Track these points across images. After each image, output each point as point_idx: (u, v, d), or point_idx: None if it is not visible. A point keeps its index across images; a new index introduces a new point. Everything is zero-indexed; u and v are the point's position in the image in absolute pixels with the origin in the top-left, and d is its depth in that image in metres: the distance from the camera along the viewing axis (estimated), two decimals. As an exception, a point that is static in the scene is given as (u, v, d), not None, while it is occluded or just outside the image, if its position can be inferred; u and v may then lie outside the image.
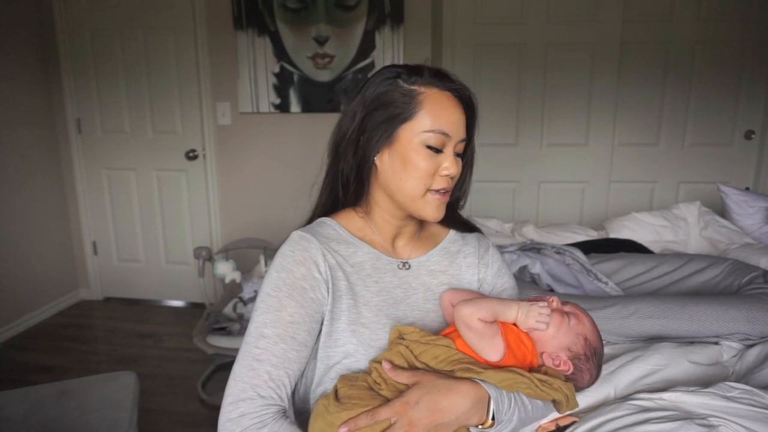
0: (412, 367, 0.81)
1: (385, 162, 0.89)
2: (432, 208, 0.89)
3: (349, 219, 0.96)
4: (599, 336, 0.90)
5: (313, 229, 0.93)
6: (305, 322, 0.85)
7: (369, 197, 0.94)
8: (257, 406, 0.79)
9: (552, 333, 0.85)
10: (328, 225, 0.95)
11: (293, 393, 0.92)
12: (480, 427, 0.78)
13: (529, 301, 0.87)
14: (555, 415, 1.09)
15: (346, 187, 0.93)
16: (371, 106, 0.88)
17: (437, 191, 0.88)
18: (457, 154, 0.90)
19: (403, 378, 0.78)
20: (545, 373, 0.83)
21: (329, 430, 0.76)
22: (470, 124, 0.92)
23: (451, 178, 0.89)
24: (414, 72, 0.88)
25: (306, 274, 0.86)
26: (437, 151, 0.86)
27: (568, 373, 0.86)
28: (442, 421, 0.75)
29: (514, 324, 0.85)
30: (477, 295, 0.93)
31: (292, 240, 0.90)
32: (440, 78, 0.88)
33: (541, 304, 0.84)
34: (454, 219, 1.02)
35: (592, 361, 0.87)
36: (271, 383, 0.81)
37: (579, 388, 0.90)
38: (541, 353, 0.86)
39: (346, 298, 0.87)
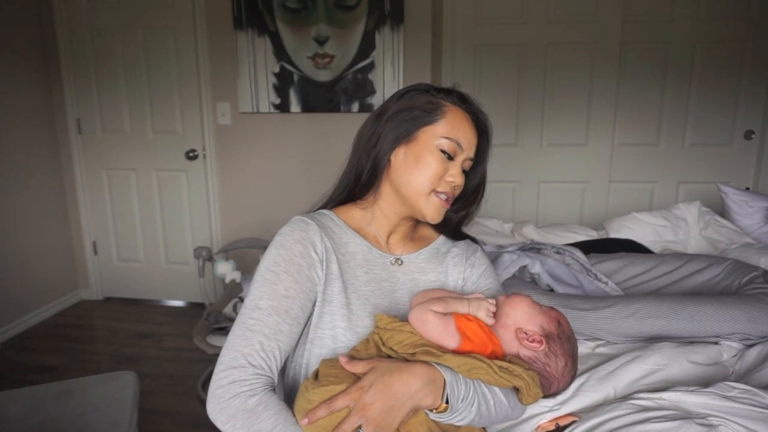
0: (379, 354, 0.84)
1: (399, 158, 0.95)
2: (433, 209, 0.95)
3: (349, 213, 1.02)
4: (572, 331, 0.92)
5: (312, 216, 0.99)
6: (299, 297, 0.89)
7: (377, 190, 0.99)
8: (248, 374, 0.83)
9: (525, 311, 0.88)
10: (326, 215, 1.00)
11: (283, 377, 0.96)
12: (434, 411, 0.79)
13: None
14: (552, 414, 1.10)
15: (359, 177, 0.99)
16: (399, 107, 0.96)
17: (440, 194, 0.94)
18: (463, 171, 0.97)
19: (359, 368, 0.80)
20: (509, 362, 0.83)
21: (306, 406, 0.79)
22: (480, 149, 1.00)
23: (454, 187, 0.96)
24: (443, 90, 0.98)
25: (303, 253, 0.91)
26: (449, 158, 0.93)
27: (541, 349, 0.86)
28: (394, 402, 0.76)
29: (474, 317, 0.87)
30: (446, 294, 0.95)
31: (292, 222, 0.96)
32: (464, 101, 0.98)
33: (491, 301, 0.88)
34: (450, 228, 1.07)
35: (566, 346, 0.88)
36: (262, 353, 0.84)
37: (552, 380, 0.88)
38: (516, 330, 0.87)
39: (336, 282, 0.92)
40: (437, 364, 0.80)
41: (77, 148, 3.37)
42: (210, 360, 2.58)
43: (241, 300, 2.53)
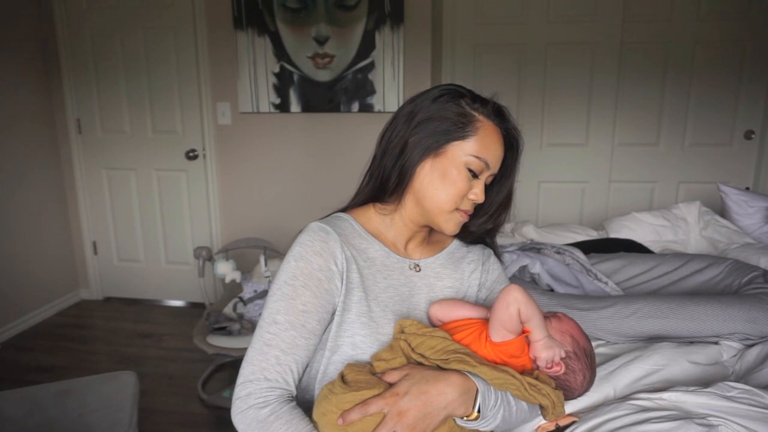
0: (408, 360, 0.84)
1: (425, 170, 0.93)
2: (453, 224, 0.95)
3: (366, 215, 1.00)
4: (587, 337, 0.92)
5: (331, 222, 0.96)
6: (317, 311, 0.88)
7: (400, 200, 0.97)
8: (262, 388, 0.84)
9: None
10: (344, 220, 0.98)
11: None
12: (465, 418, 0.80)
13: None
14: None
15: (384, 184, 0.96)
16: (430, 113, 0.92)
17: (462, 211, 0.94)
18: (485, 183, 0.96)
19: (393, 377, 0.81)
20: (536, 378, 0.85)
21: (335, 410, 0.78)
22: (506, 163, 0.99)
23: (475, 204, 0.96)
24: (478, 100, 0.94)
25: (323, 266, 0.89)
26: (474, 176, 0.92)
27: (560, 373, 0.87)
28: (431, 409, 0.77)
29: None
30: (459, 304, 0.96)
31: (311, 230, 0.93)
32: (498, 115, 0.94)
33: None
34: (471, 240, 1.07)
35: (583, 360, 0.89)
36: (278, 367, 0.85)
37: (574, 391, 0.91)
38: (535, 358, 0.87)
39: (357, 291, 0.91)
40: (471, 374, 0.81)
41: (77, 148, 3.37)
42: (210, 360, 2.59)
43: (241, 300, 2.53)
